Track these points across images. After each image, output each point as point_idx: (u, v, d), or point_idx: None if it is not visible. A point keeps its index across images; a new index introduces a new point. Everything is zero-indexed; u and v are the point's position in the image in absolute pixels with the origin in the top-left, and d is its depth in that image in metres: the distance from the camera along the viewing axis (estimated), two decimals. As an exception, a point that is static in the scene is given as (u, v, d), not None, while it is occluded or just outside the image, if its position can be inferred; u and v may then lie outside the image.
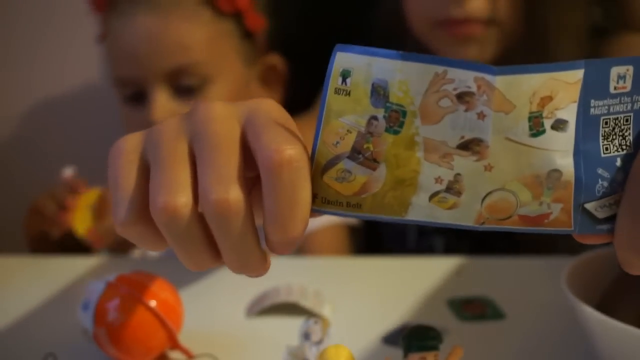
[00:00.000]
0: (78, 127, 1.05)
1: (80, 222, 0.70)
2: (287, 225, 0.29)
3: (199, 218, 0.29)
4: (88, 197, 0.70)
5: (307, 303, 0.56)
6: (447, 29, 0.63)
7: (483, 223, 0.29)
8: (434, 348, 0.39)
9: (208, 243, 0.29)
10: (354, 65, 0.29)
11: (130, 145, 0.31)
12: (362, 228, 0.81)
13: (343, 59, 0.29)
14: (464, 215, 0.29)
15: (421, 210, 0.30)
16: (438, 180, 0.29)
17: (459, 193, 0.29)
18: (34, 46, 1.03)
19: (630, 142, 0.29)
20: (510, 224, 0.30)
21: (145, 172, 0.31)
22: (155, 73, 0.73)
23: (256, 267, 0.31)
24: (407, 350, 0.39)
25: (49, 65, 1.03)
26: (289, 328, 0.50)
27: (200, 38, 0.74)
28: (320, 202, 0.30)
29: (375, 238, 0.81)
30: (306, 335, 0.48)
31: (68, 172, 0.71)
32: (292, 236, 0.29)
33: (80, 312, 0.48)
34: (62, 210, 0.71)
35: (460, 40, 0.64)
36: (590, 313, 0.43)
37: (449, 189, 0.29)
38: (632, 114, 0.29)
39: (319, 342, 0.48)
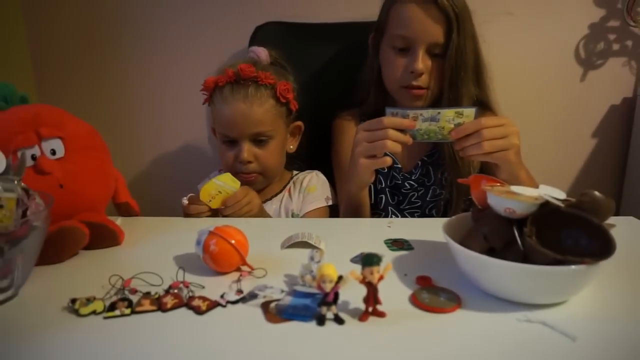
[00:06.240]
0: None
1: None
2: None
3: None
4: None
5: (312, 241, 0.71)
6: (408, 91, 1.01)
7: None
8: (377, 264, 0.49)
9: None
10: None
11: None
12: (335, 208, 1.09)
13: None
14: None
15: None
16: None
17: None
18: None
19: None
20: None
21: None
22: (244, 134, 0.95)
23: None
24: (363, 266, 0.50)
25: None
26: (303, 254, 0.64)
27: (268, 116, 0.98)
28: None
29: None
30: (312, 258, 0.60)
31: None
32: None
33: (195, 246, 0.66)
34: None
35: (415, 97, 1.01)
36: (456, 246, 0.57)
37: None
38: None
39: (318, 262, 0.59)
